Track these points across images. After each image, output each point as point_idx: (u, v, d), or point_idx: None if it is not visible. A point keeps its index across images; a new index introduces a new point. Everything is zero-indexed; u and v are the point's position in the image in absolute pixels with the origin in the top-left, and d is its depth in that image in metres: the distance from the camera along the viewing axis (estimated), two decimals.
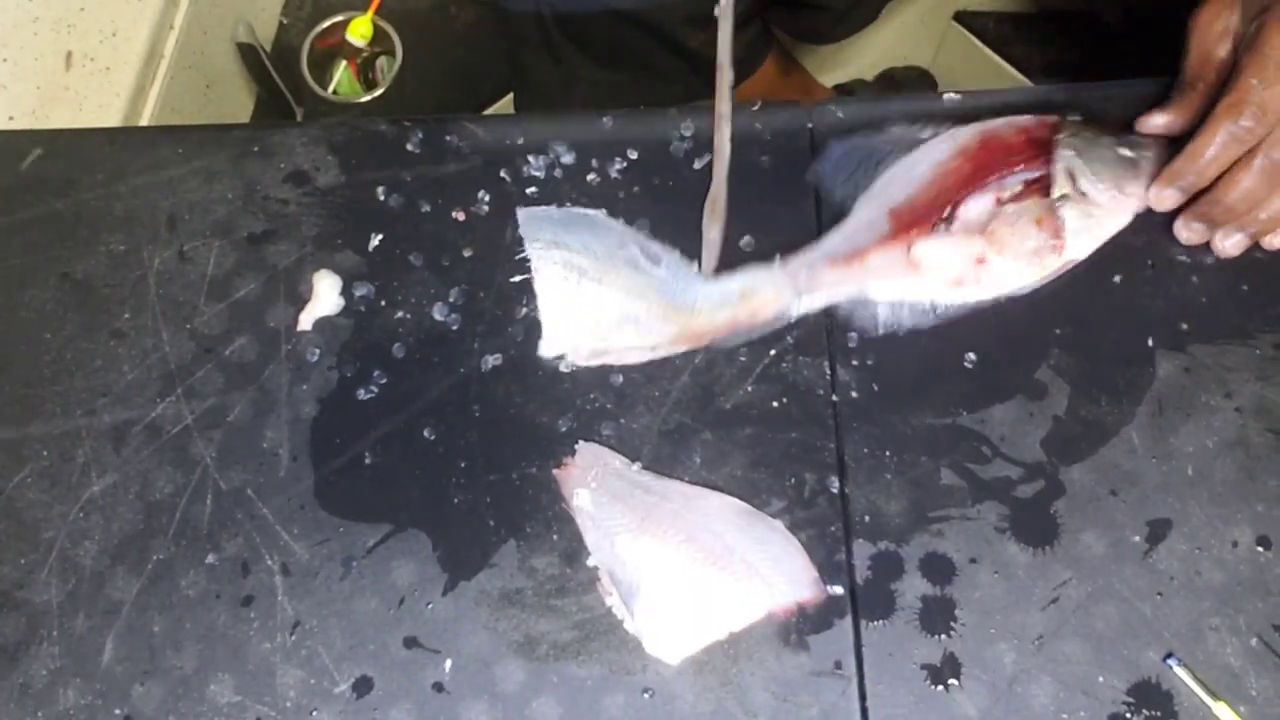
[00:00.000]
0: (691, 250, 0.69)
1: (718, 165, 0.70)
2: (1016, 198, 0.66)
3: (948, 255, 0.65)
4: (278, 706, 0.60)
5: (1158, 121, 0.67)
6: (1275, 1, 0.61)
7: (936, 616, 0.60)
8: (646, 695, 0.60)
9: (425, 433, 0.66)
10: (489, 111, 1.51)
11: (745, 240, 0.69)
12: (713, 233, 0.69)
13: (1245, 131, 0.61)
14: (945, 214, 0.66)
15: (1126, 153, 0.66)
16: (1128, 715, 0.58)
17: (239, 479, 0.66)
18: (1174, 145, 0.66)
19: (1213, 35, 0.64)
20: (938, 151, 0.68)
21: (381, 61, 1.56)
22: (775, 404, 0.66)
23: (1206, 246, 0.67)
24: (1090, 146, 0.66)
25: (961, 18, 1.44)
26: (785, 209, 0.70)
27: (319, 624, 0.62)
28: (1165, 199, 0.66)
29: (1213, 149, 0.62)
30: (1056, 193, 0.66)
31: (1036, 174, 0.66)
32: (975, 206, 0.66)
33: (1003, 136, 0.68)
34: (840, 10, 1.16)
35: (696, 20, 1.02)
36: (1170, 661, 0.58)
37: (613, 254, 0.68)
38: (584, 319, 0.67)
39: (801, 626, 0.61)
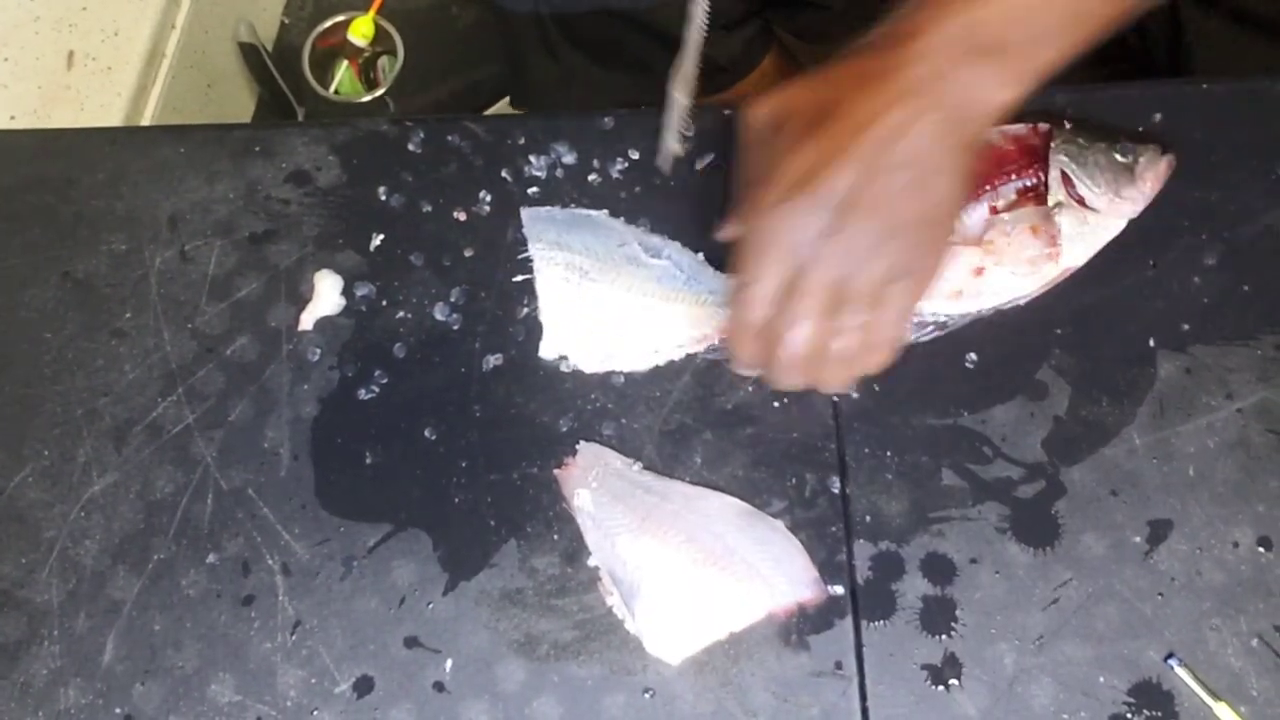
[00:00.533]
0: (693, 245, 0.69)
1: (691, 31, 0.69)
2: (1011, 206, 0.66)
3: (946, 267, 0.65)
4: (278, 706, 0.60)
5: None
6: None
7: (937, 617, 0.60)
8: (647, 695, 0.60)
9: (426, 432, 0.66)
10: (490, 111, 1.51)
11: None
12: (680, 94, 0.68)
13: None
14: None
15: (1120, 158, 0.66)
16: (1128, 715, 0.58)
17: (240, 478, 0.66)
18: (1172, 149, 0.66)
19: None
20: None
21: (383, 61, 1.56)
22: (776, 404, 0.66)
23: (1207, 248, 0.67)
24: (1084, 152, 0.66)
25: None
26: None
27: (320, 623, 0.62)
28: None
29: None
30: (1052, 200, 0.66)
31: (1030, 182, 0.66)
32: (970, 217, 0.66)
33: (995, 145, 0.67)
34: (841, 9, 1.16)
35: None
36: (1171, 662, 0.58)
37: (613, 253, 0.68)
38: (585, 320, 0.67)
39: (802, 627, 0.61)
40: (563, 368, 0.67)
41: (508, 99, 1.51)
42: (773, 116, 0.57)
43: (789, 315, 0.56)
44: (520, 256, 0.70)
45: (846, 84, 0.55)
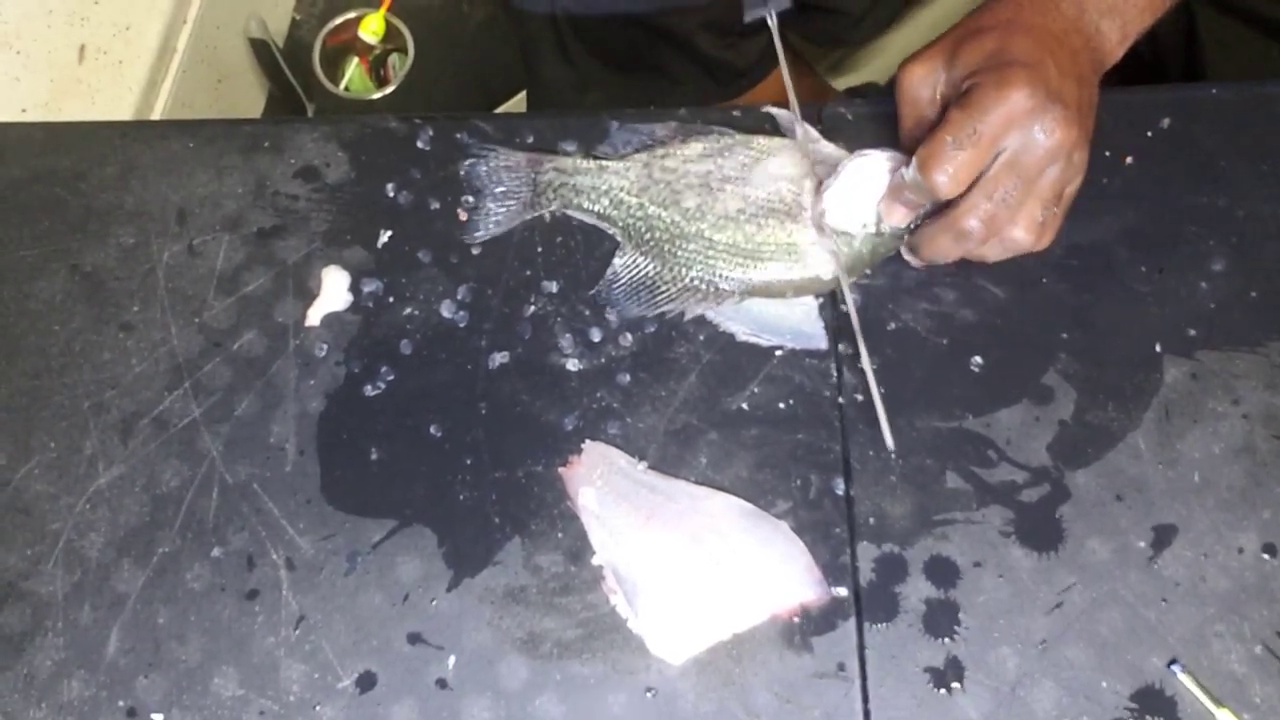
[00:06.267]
0: None
1: None
2: None
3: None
4: (281, 700, 0.61)
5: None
6: (992, 64, 0.59)
7: (940, 620, 0.60)
8: (649, 694, 0.60)
9: (432, 429, 0.66)
10: (500, 110, 1.51)
11: None
12: None
13: (938, 188, 0.59)
14: None
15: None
16: None
17: (245, 473, 0.66)
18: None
19: (923, 100, 0.63)
20: None
21: (393, 59, 1.57)
22: (782, 405, 0.66)
23: (1215, 253, 0.67)
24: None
25: None
26: None
27: (323, 619, 0.62)
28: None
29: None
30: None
31: None
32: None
33: None
34: (856, 15, 1.16)
35: (710, 26, 1.02)
36: (1174, 668, 0.58)
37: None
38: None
39: (805, 628, 0.61)
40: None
41: (516, 98, 1.52)
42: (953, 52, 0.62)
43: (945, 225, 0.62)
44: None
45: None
